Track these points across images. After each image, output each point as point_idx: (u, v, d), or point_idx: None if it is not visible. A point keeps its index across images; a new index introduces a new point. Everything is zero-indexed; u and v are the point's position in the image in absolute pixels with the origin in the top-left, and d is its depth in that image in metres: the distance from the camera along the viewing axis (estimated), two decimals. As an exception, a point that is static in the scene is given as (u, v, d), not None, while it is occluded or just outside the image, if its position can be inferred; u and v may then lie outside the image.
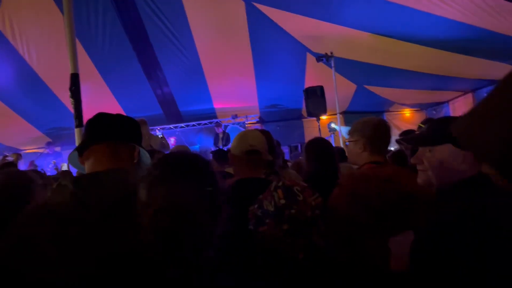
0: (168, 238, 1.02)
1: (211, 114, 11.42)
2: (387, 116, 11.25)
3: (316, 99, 8.27)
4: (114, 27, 7.38)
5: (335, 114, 8.59)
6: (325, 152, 2.50)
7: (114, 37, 7.58)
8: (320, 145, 2.57)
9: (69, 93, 4.00)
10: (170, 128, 11.59)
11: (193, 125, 11.67)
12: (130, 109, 9.40)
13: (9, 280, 1.06)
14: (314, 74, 8.80)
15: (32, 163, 9.13)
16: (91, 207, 1.14)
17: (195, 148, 11.20)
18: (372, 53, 7.61)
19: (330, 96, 8.14)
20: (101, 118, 1.48)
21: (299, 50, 8.19)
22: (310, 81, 8.89)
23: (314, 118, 8.69)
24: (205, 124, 11.67)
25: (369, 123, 2.09)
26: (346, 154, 2.80)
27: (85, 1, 6.62)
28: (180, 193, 1.06)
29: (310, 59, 8.32)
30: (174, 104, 10.42)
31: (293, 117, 11.65)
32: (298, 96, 9.32)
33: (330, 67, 7.88)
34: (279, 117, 11.63)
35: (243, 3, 6.96)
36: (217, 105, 10.81)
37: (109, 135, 1.42)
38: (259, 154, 2.03)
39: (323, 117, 9.03)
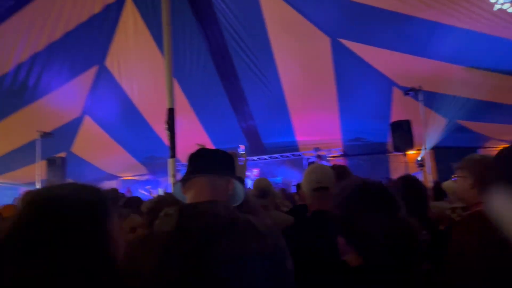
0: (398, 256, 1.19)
1: (293, 147, 11.55)
2: (482, 153, 10.43)
3: (402, 134, 8.00)
4: (206, 65, 7.97)
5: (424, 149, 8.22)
6: (415, 191, 2.42)
7: (206, 74, 8.16)
8: (411, 184, 2.50)
9: (165, 126, 4.37)
10: (254, 160, 11.91)
11: (276, 157, 11.87)
12: (217, 141, 9.91)
13: None
14: (401, 108, 8.56)
15: (128, 190, 9.94)
16: (194, 236, 1.26)
17: (277, 180, 11.33)
18: (465, 86, 7.21)
19: (418, 130, 7.83)
20: (202, 153, 1.64)
21: (385, 84, 8.07)
22: (396, 115, 8.65)
23: (401, 153, 8.38)
24: (287, 156, 11.81)
25: (481, 161, 2.08)
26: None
27: (182, 44, 7.24)
28: (386, 219, 1.22)
29: (397, 93, 8.13)
30: (257, 136, 10.75)
31: (378, 151, 11.30)
32: (384, 130, 9.07)
33: (418, 100, 7.61)
34: (363, 151, 11.36)
35: (328, 39, 7.10)
36: (300, 137, 10.92)
37: (208, 169, 1.56)
38: (326, 190, 2.08)
39: (411, 152, 8.66)
